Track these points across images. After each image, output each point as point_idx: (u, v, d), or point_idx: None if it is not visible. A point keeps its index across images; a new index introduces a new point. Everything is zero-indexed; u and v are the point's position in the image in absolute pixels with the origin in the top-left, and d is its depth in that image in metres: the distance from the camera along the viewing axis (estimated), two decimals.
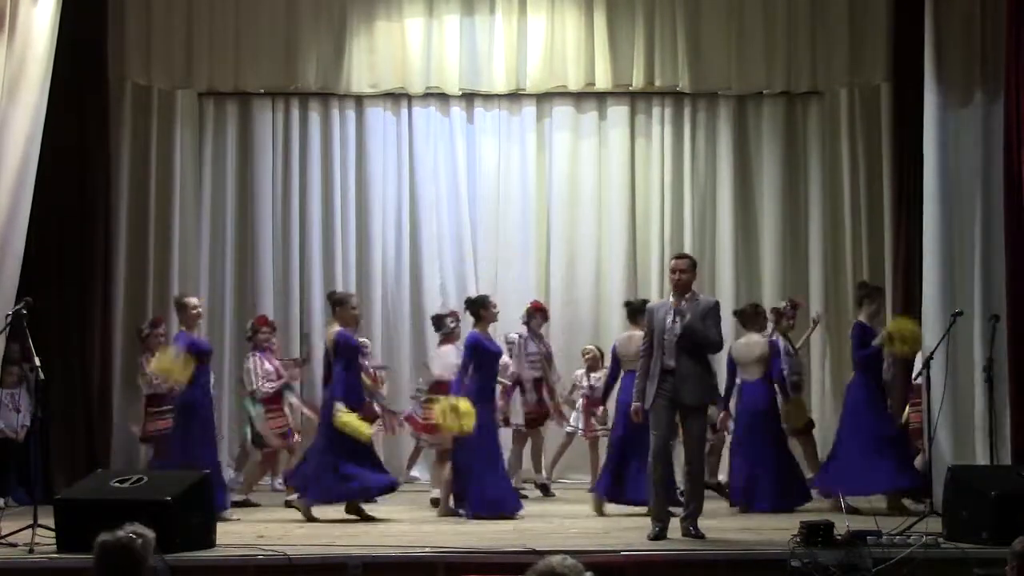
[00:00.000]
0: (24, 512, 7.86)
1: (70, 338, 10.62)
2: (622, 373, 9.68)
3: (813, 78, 12.07)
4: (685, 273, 7.84)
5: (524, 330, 11.04)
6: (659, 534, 7.53)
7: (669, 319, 7.75)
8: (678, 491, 8.13)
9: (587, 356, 11.38)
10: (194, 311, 9.33)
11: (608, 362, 10.41)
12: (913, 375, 9.73)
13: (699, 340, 7.71)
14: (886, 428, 9.49)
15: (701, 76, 12.07)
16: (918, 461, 9.64)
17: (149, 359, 10.12)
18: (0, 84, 9.12)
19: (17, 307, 7.90)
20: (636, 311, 9.58)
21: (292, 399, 10.65)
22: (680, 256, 8.24)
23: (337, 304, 9.41)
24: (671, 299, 7.87)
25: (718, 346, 8.03)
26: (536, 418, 11.02)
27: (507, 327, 11.27)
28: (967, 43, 9.56)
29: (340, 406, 8.91)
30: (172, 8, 11.70)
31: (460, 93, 12.32)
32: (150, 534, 3.95)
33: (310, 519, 8.85)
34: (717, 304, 8.02)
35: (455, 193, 12.57)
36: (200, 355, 9.14)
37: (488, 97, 12.47)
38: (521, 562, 4.97)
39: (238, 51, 11.85)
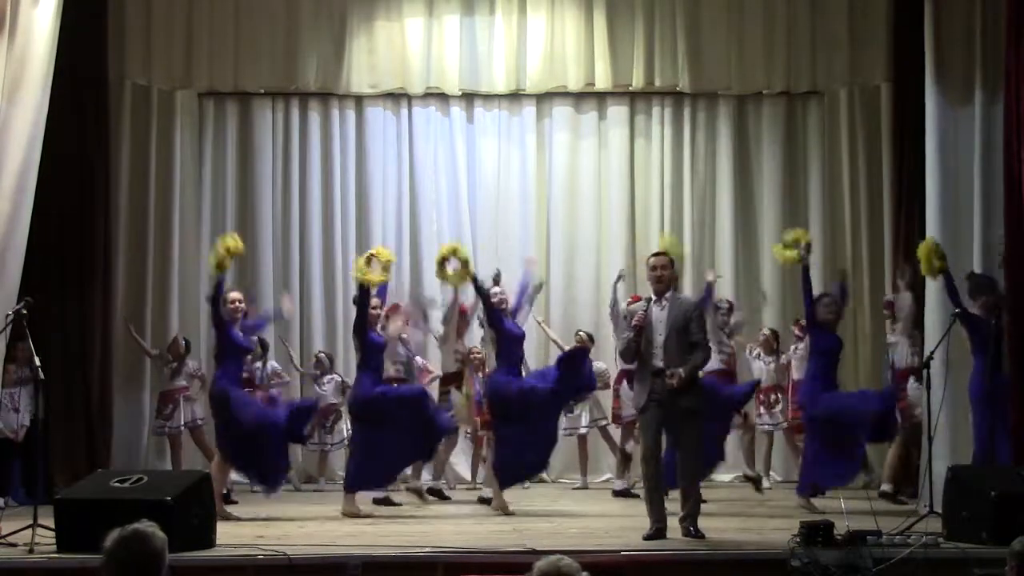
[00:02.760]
0: (24, 512, 7.86)
1: (70, 338, 10.62)
2: None
3: (813, 78, 12.08)
4: (666, 270, 7.73)
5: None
6: (656, 534, 7.51)
7: (656, 319, 7.61)
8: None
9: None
10: (230, 305, 9.33)
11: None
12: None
13: (696, 367, 7.62)
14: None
15: (701, 76, 12.08)
16: None
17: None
18: (1, 85, 9.12)
19: (18, 307, 7.90)
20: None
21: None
22: (659, 253, 8.02)
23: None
24: (653, 297, 7.71)
25: (707, 357, 7.85)
26: None
27: None
28: (967, 43, 9.57)
29: None
30: (172, 8, 11.72)
31: (460, 93, 12.32)
32: (161, 532, 3.90)
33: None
34: (698, 303, 7.93)
35: (455, 193, 12.58)
36: (235, 349, 9.17)
37: (488, 97, 12.48)
38: (521, 562, 4.97)
39: (238, 51, 11.85)
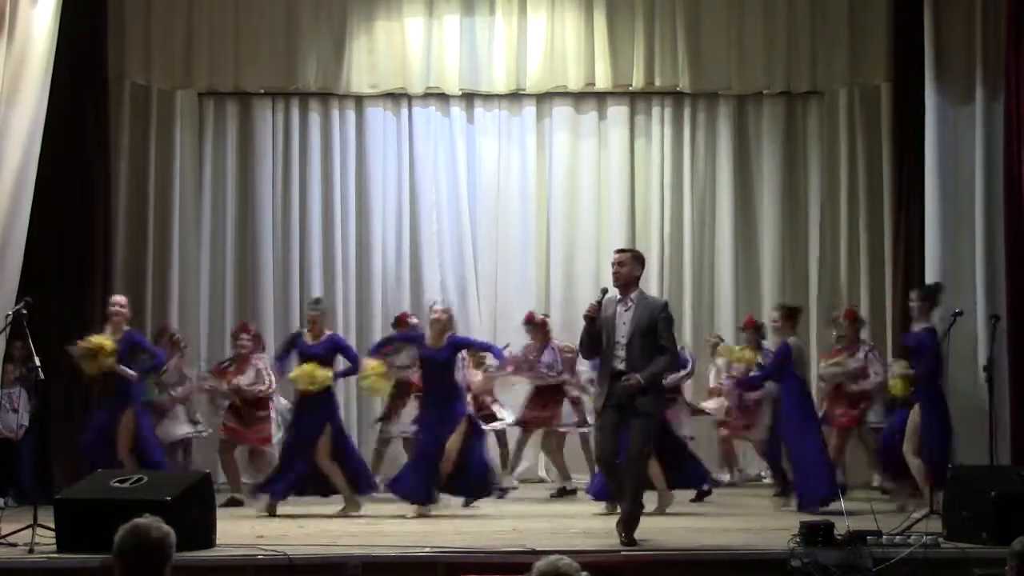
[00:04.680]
0: (24, 512, 7.85)
1: (70, 338, 10.60)
2: None
3: (813, 78, 12.08)
4: (623, 266, 7.42)
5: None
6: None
7: (619, 319, 7.36)
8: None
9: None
10: (111, 308, 9.51)
11: None
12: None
13: (657, 375, 7.30)
14: None
15: (701, 76, 12.08)
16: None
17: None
18: (0, 85, 9.12)
19: (17, 307, 7.89)
20: None
21: None
22: (620, 250, 7.79)
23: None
24: (609, 290, 7.50)
25: (672, 363, 7.57)
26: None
27: (505, 326, 11.36)
28: (967, 43, 9.58)
29: None
30: (172, 8, 11.71)
31: (460, 93, 12.32)
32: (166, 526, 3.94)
33: None
34: (666, 305, 7.55)
35: (455, 193, 12.58)
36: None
37: (488, 97, 12.48)
38: (521, 562, 4.97)
39: (238, 51, 11.85)
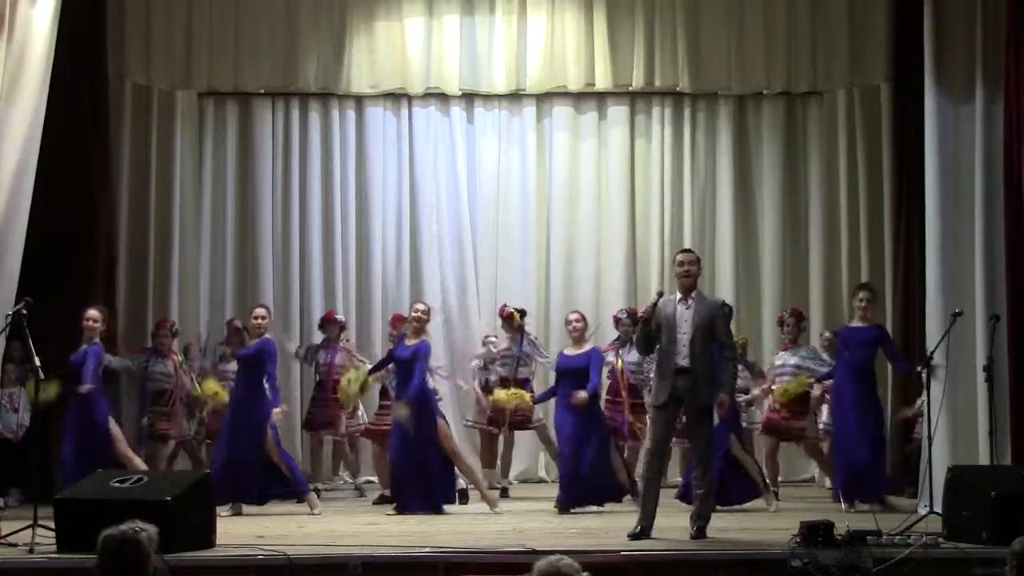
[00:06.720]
0: (24, 512, 7.86)
1: (70, 338, 10.60)
2: None
3: (813, 78, 12.08)
4: (694, 266, 7.77)
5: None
6: (640, 533, 7.48)
7: (681, 317, 7.65)
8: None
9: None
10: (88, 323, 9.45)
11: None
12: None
13: (733, 382, 7.91)
14: None
15: (701, 76, 12.08)
16: None
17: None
18: None
19: (17, 307, 7.89)
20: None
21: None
22: (687, 250, 8.18)
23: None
24: (678, 295, 7.76)
25: (734, 358, 7.95)
26: None
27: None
28: (967, 43, 9.56)
29: None
30: (172, 8, 11.72)
31: (460, 93, 12.33)
32: (152, 528, 3.96)
33: None
34: (723, 304, 8.05)
35: (455, 193, 12.58)
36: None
37: (488, 97, 12.49)
38: (521, 562, 4.98)
39: (238, 51, 11.86)
